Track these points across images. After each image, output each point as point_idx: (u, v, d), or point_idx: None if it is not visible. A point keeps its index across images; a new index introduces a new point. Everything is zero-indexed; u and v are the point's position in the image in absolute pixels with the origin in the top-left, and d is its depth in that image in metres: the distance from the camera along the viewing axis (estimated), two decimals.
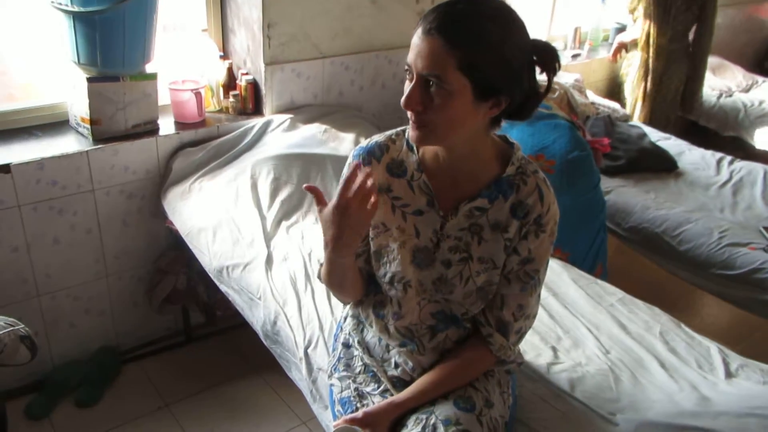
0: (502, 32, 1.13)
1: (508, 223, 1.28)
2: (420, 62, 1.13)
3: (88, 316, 2.47)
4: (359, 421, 1.27)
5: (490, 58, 1.12)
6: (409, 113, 1.19)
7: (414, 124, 1.19)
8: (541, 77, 1.23)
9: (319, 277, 1.43)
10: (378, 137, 1.37)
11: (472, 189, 1.28)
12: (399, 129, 1.37)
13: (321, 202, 1.24)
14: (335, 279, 1.38)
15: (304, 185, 1.25)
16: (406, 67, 1.17)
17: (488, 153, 1.29)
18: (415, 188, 1.31)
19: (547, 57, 1.20)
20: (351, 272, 1.37)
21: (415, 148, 1.32)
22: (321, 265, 1.40)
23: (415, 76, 1.15)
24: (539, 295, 1.37)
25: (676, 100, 4.06)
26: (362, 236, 1.27)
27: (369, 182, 1.17)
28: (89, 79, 2.17)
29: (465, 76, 1.11)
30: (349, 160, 1.37)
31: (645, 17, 3.78)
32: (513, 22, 1.15)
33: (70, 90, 2.31)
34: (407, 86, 1.18)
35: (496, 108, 1.18)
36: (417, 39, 1.14)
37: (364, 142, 1.38)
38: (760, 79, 4.87)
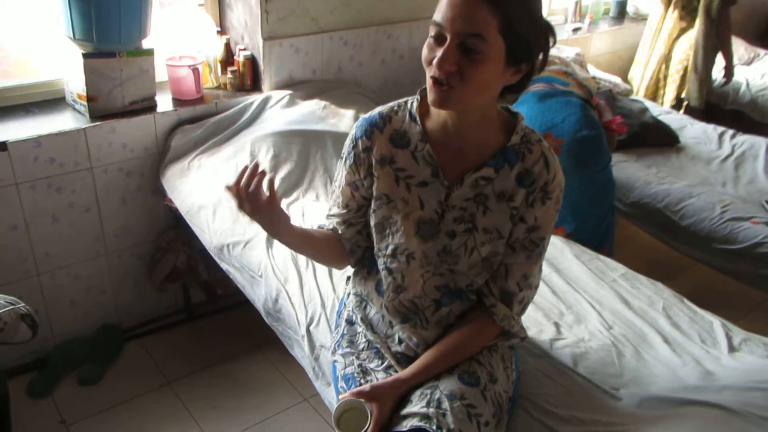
0: None
1: (514, 192, 1.27)
2: (459, 23, 1.10)
3: (89, 294, 2.47)
4: (367, 394, 1.27)
5: (526, 21, 1.13)
6: (433, 75, 1.16)
7: (438, 87, 1.16)
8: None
9: None
10: (380, 108, 1.36)
11: (477, 159, 1.28)
12: (401, 100, 1.36)
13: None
14: (303, 254, 1.53)
15: (225, 185, 1.24)
16: (434, 30, 1.14)
17: (494, 122, 1.28)
18: (419, 159, 1.30)
19: (548, 33, 1.20)
20: (307, 246, 1.42)
21: (418, 118, 1.30)
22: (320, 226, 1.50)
23: (449, 36, 1.12)
24: (541, 266, 1.37)
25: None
26: (270, 219, 1.27)
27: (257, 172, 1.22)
28: (85, 55, 2.14)
29: (503, 38, 1.11)
30: (352, 132, 1.36)
31: None
32: None
33: (66, 66, 2.28)
34: (429, 48, 1.16)
35: (518, 74, 1.19)
36: None
37: (366, 114, 1.37)
38: (762, 52, 4.83)
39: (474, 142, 1.27)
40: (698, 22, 3.72)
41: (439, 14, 1.13)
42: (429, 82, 1.18)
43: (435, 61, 1.14)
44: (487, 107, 1.24)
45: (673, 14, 3.83)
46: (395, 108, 1.34)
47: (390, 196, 1.32)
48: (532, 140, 1.28)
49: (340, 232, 1.43)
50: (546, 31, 1.19)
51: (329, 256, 1.47)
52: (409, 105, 1.34)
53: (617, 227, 2.67)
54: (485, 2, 1.09)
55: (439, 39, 1.14)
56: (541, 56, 1.22)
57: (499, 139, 1.28)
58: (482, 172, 1.27)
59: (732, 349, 1.67)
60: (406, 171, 1.31)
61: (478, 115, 1.24)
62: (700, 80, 3.81)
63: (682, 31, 3.87)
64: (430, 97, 1.19)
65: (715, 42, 3.75)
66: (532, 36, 1.15)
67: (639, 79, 4.07)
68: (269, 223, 1.27)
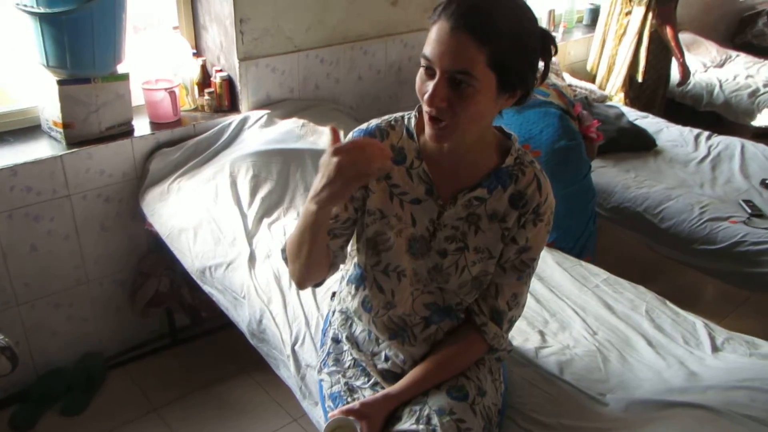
0: (524, 23, 1.13)
1: (506, 213, 1.28)
2: (447, 59, 1.10)
3: (70, 323, 2.43)
4: (356, 411, 1.26)
5: (515, 51, 1.11)
6: (426, 109, 1.16)
7: (433, 123, 1.16)
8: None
9: (283, 250, 1.35)
10: (377, 121, 1.33)
11: (471, 179, 1.28)
12: (398, 115, 1.35)
13: (336, 140, 1.13)
14: (300, 242, 1.26)
15: (330, 126, 1.15)
16: (424, 62, 1.14)
17: (488, 143, 1.28)
18: (413, 176, 1.30)
19: (548, 43, 1.20)
20: (321, 239, 1.26)
21: (415, 135, 1.30)
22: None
23: (439, 72, 1.11)
24: (530, 284, 1.38)
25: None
26: (355, 189, 1.20)
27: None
28: (59, 82, 2.13)
29: (492, 71, 1.10)
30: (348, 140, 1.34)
31: None
32: (529, 10, 1.15)
33: (40, 94, 2.26)
34: (421, 80, 1.15)
35: (512, 99, 1.18)
36: (442, 34, 1.10)
37: (363, 125, 1.34)
38: (733, 53, 4.92)
39: (469, 162, 1.28)
40: (641, 14, 3.76)
41: (428, 48, 1.12)
42: (425, 116, 1.18)
43: (425, 98, 1.14)
44: (483, 131, 1.25)
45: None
46: (392, 122, 1.33)
47: (384, 211, 1.31)
48: (525, 162, 1.29)
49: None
50: (544, 46, 1.19)
51: (319, 265, 1.34)
52: (406, 121, 1.33)
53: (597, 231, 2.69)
54: (472, 38, 1.07)
55: (429, 72, 1.14)
56: (541, 66, 1.22)
57: (493, 160, 1.28)
58: (476, 193, 1.27)
59: (715, 349, 1.69)
60: (401, 187, 1.30)
61: (473, 138, 1.24)
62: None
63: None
64: (427, 131, 1.19)
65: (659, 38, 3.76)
66: (524, 64, 1.14)
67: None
68: (347, 179, 1.10)
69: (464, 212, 1.29)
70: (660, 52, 3.84)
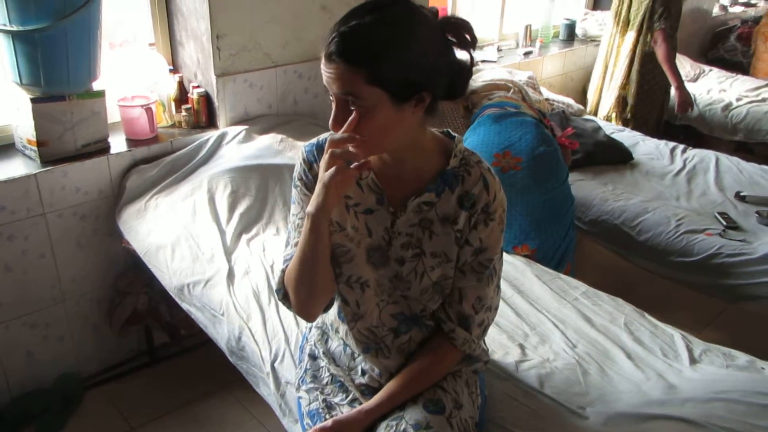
0: (402, 33, 1.13)
1: (456, 215, 1.28)
2: (332, 85, 1.14)
3: (46, 343, 2.39)
4: (329, 429, 1.25)
5: (395, 63, 1.12)
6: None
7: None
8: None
9: (278, 290, 1.36)
10: (325, 135, 1.34)
11: (418, 184, 1.29)
12: None
13: None
14: (311, 259, 1.25)
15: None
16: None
17: (430, 147, 1.29)
18: (363, 187, 1.31)
19: (458, 32, 1.20)
20: (325, 255, 1.27)
21: None
22: (282, 271, 1.34)
23: (333, 98, 1.16)
24: (498, 286, 1.38)
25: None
26: (342, 193, 1.22)
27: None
28: (33, 100, 2.11)
29: (377, 87, 1.12)
30: (303, 157, 1.34)
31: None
32: (411, 17, 1.15)
33: (14, 112, 2.24)
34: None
35: (421, 104, 1.18)
36: (323, 64, 1.14)
37: (313, 139, 1.36)
38: (706, 68, 5.01)
39: (412, 168, 1.28)
40: (632, 38, 3.80)
41: (323, 76, 1.17)
42: None
43: (329, 122, 1.18)
44: (413, 137, 1.25)
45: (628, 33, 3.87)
46: None
47: (342, 223, 1.32)
48: (471, 162, 1.29)
49: None
50: (460, 30, 1.19)
51: (327, 283, 1.32)
52: None
53: (575, 244, 2.71)
54: (345, 64, 1.11)
55: (332, 100, 1.18)
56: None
57: (438, 164, 1.29)
58: (424, 197, 1.28)
59: (693, 360, 1.70)
60: (353, 198, 1.31)
61: (405, 144, 1.25)
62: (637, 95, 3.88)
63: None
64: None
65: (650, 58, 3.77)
66: (409, 72, 1.14)
67: (596, 100, 4.13)
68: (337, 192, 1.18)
69: (416, 218, 1.29)
70: (655, 76, 3.81)
